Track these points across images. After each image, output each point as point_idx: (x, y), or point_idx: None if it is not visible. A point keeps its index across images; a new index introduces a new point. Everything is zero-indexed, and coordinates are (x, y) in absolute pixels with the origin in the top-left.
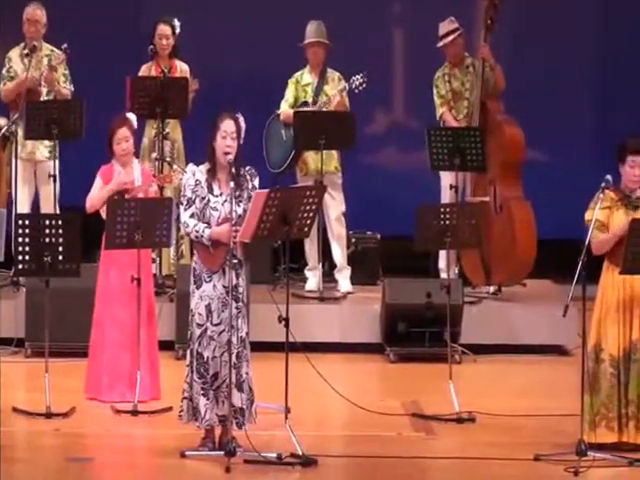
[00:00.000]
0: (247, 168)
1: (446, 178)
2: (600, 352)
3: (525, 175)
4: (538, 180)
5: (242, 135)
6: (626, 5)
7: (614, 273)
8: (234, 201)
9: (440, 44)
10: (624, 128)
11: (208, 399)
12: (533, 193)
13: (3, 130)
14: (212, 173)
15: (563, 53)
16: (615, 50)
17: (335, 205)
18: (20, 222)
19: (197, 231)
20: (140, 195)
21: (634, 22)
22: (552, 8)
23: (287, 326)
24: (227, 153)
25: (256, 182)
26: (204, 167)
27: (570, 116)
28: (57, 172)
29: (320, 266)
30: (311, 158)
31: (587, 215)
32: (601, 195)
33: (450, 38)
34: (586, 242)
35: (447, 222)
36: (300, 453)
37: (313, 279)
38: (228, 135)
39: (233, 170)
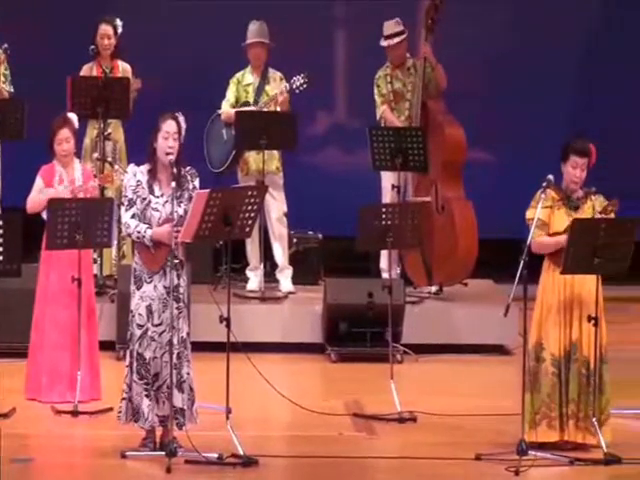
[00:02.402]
0: (188, 168)
1: (387, 178)
2: (541, 351)
3: (467, 175)
4: (480, 180)
5: (183, 134)
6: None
7: (554, 273)
8: (175, 202)
9: (384, 44)
10: (566, 129)
11: (150, 400)
12: (475, 193)
13: None
14: (153, 174)
15: (508, 53)
16: (558, 50)
17: (276, 205)
18: None
19: (138, 232)
20: (81, 195)
21: (580, 21)
22: (495, 7)
23: (228, 326)
24: (169, 154)
25: (196, 182)
26: (145, 167)
27: (512, 117)
28: None
29: (261, 266)
30: (252, 158)
31: (528, 214)
32: (543, 195)
33: (396, 40)
34: (527, 242)
35: (389, 222)
36: (241, 453)
37: (254, 279)
38: (170, 136)
39: (175, 170)
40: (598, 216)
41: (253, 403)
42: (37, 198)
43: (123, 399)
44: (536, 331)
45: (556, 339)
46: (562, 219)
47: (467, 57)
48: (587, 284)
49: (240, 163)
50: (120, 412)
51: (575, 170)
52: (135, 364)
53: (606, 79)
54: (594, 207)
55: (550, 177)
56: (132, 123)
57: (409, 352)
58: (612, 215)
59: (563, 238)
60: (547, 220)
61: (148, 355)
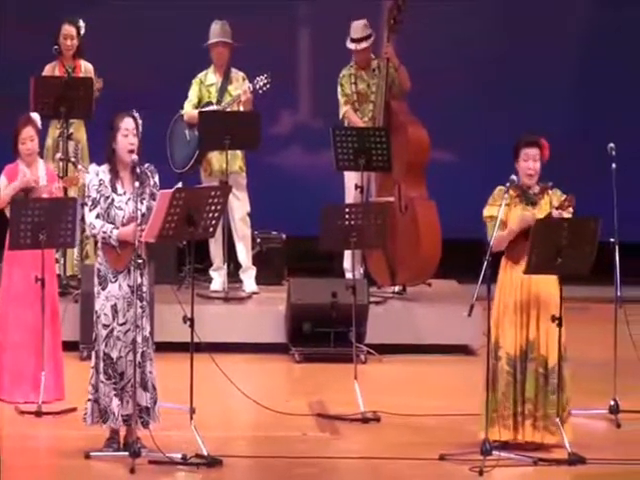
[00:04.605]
0: (146, 165)
1: (350, 178)
2: (498, 350)
3: (430, 175)
4: (443, 180)
5: (140, 131)
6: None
7: (512, 272)
8: (138, 199)
9: (351, 47)
10: (530, 129)
11: (120, 399)
12: (438, 193)
13: None
14: (114, 173)
15: (470, 52)
16: (518, 49)
17: (240, 205)
18: None
19: (104, 232)
20: (45, 195)
21: (534, 20)
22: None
23: (192, 326)
24: (131, 151)
25: (156, 178)
26: (105, 167)
27: (476, 116)
28: None
29: (225, 266)
30: (215, 158)
31: (485, 212)
32: (506, 194)
33: (363, 45)
34: (490, 241)
35: (352, 222)
36: (205, 453)
37: (218, 279)
38: (130, 132)
39: (138, 170)
40: (555, 212)
41: (217, 403)
42: (2, 194)
43: (89, 400)
44: (494, 330)
45: (512, 338)
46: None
47: (435, 56)
48: (544, 284)
49: (203, 163)
50: (86, 414)
51: (527, 162)
52: (102, 364)
53: (578, 82)
54: (551, 202)
55: (513, 178)
56: (94, 123)
57: (373, 352)
58: (570, 210)
59: (516, 223)
60: (505, 218)
61: (115, 355)
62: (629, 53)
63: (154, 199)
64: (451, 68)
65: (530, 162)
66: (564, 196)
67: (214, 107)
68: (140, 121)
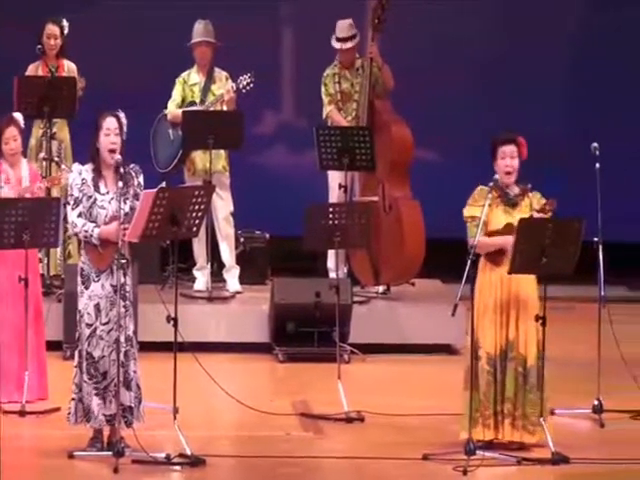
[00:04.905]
0: (131, 165)
1: (334, 178)
2: (478, 349)
3: (414, 174)
4: (427, 179)
5: (125, 131)
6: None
7: (491, 272)
8: (121, 199)
9: (337, 46)
10: (516, 128)
11: (100, 398)
12: (422, 192)
13: None
14: (97, 172)
15: (455, 51)
16: (506, 51)
17: (223, 205)
18: None
19: (86, 231)
20: (28, 195)
21: (532, 21)
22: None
23: (175, 326)
24: (112, 150)
25: (141, 179)
26: (89, 166)
27: (460, 116)
28: None
29: (209, 266)
30: (199, 158)
31: (466, 212)
32: (489, 195)
33: (349, 45)
34: (474, 242)
35: (336, 222)
36: (189, 453)
37: (202, 279)
38: (111, 132)
39: (121, 170)
40: (536, 215)
41: (200, 403)
42: None
43: (72, 399)
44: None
45: (492, 338)
46: (499, 217)
47: (419, 55)
48: (524, 284)
49: (187, 163)
50: (69, 413)
51: (505, 160)
52: (84, 364)
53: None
54: (531, 205)
55: (497, 177)
56: (77, 122)
57: (356, 352)
58: (550, 214)
59: (502, 239)
60: (486, 219)
61: (97, 354)
62: (629, 53)
63: (138, 199)
64: (435, 67)
65: (507, 159)
66: (544, 200)
67: (197, 107)
68: (124, 121)
